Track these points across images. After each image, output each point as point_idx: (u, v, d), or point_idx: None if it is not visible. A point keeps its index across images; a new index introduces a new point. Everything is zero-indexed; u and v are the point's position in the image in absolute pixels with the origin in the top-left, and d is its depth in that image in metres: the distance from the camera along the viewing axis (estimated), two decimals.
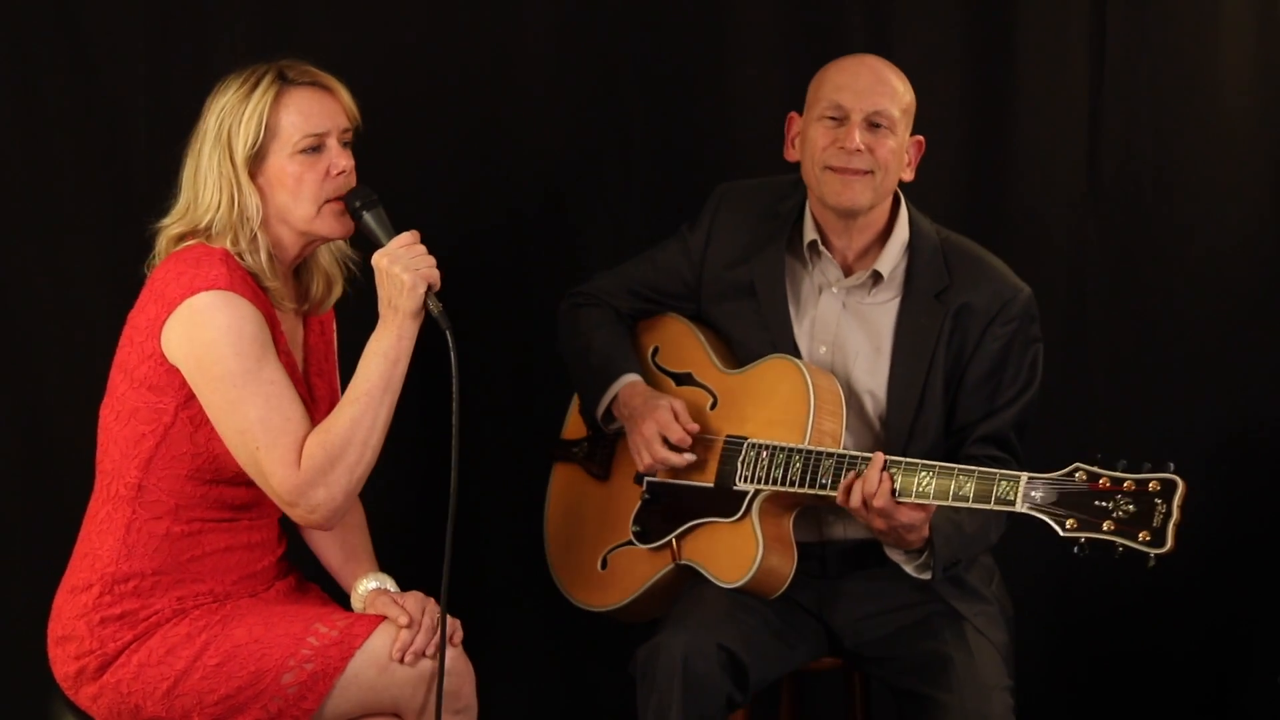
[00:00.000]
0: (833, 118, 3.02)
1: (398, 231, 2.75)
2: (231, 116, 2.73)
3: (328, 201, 2.76)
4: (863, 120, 3.00)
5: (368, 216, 2.76)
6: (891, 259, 3.08)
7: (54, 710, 2.82)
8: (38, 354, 3.52)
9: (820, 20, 3.69)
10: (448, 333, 2.68)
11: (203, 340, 2.66)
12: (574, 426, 3.30)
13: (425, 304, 2.70)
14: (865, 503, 2.86)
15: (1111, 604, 3.81)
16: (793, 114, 3.14)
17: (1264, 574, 3.73)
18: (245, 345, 2.66)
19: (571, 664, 3.75)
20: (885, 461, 2.86)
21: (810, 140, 3.04)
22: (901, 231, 3.10)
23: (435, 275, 2.70)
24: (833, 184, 3.02)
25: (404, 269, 2.69)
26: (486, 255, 3.68)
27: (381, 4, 3.60)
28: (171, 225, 2.77)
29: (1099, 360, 3.78)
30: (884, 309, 3.09)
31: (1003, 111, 3.73)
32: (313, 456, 2.67)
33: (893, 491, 2.84)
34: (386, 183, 3.55)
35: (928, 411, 3.05)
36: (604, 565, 3.16)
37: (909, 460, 2.87)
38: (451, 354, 2.67)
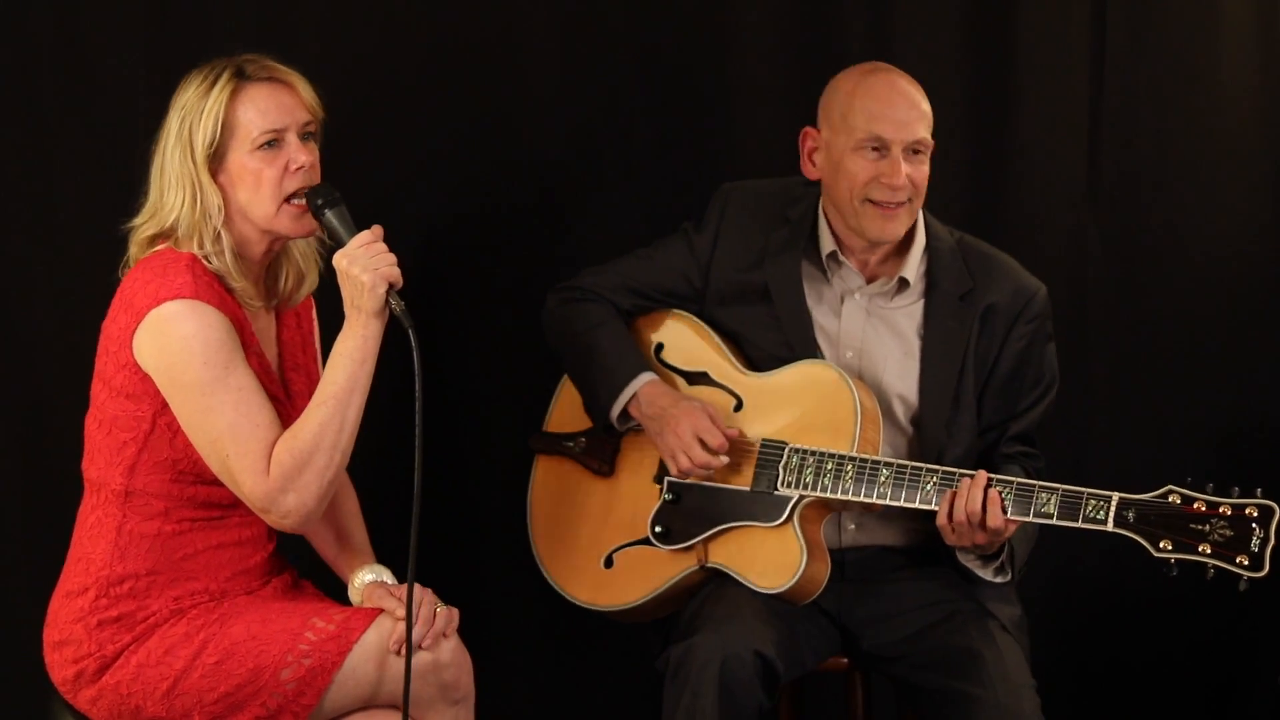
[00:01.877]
0: (874, 149, 2.98)
1: (360, 228, 2.74)
2: (192, 114, 2.74)
3: (288, 199, 2.75)
4: (903, 151, 2.98)
5: (329, 215, 2.75)
6: (914, 264, 3.08)
7: (53, 712, 2.82)
8: (37, 355, 3.52)
9: (821, 19, 3.69)
10: (410, 331, 2.67)
11: (170, 350, 2.66)
12: (560, 419, 3.26)
13: (387, 303, 2.69)
14: (969, 521, 2.86)
15: (1112, 606, 3.81)
16: (808, 129, 3.10)
17: (1265, 575, 3.72)
18: (212, 353, 2.66)
19: (568, 654, 3.74)
20: (989, 480, 2.87)
21: (848, 171, 3.00)
22: (921, 236, 3.10)
23: (396, 274, 2.69)
24: (874, 218, 3.00)
25: (363, 269, 2.67)
26: (485, 251, 3.69)
27: (381, 6, 3.60)
28: (142, 226, 2.78)
29: (1099, 360, 3.78)
30: (908, 312, 3.09)
31: (1003, 111, 3.73)
32: (281, 463, 2.67)
33: (1004, 509, 2.86)
34: (386, 179, 3.58)
35: (963, 414, 3.06)
36: (609, 564, 3.14)
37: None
38: (414, 351, 2.66)
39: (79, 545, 2.80)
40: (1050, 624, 3.70)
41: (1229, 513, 2.75)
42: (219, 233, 2.74)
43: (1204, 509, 2.76)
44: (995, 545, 2.95)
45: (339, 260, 2.70)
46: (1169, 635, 3.80)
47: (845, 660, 3.16)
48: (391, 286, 2.69)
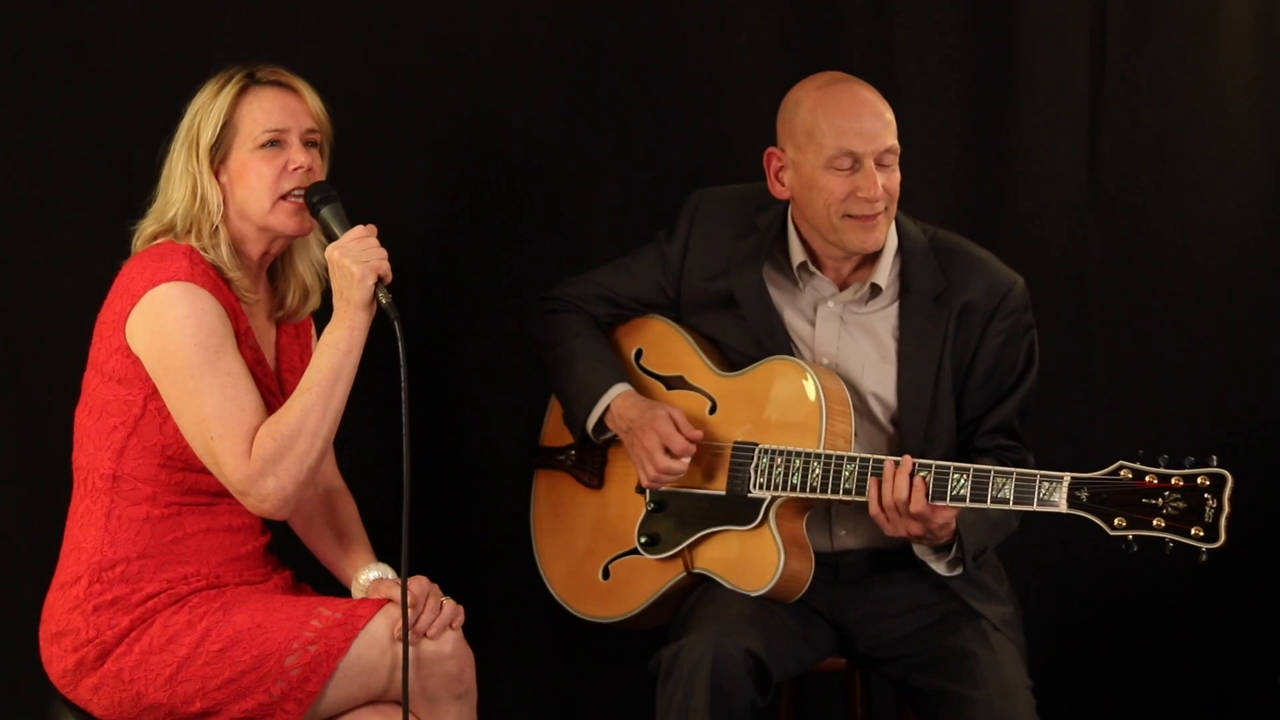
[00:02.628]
0: (846, 164, 2.95)
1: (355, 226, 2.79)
2: (201, 113, 2.82)
3: (284, 197, 2.80)
4: (875, 162, 2.95)
5: (325, 211, 2.80)
6: (886, 269, 3.07)
7: (53, 711, 2.83)
8: (37, 354, 3.51)
9: (820, 21, 3.68)
10: (396, 324, 2.71)
11: (163, 331, 2.71)
12: (554, 433, 3.27)
13: (375, 295, 2.72)
14: (898, 509, 2.86)
15: (1111, 605, 3.81)
16: (772, 150, 3.06)
17: (1264, 574, 3.73)
18: (204, 336, 2.70)
19: (567, 657, 3.74)
20: (914, 465, 2.86)
21: (822, 189, 2.96)
22: (892, 240, 3.08)
23: (385, 267, 2.74)
24: (854, 231, 2.98)
25: (354, 261, 2.72)
26: (483, 256, 3.68)
27: (382, 8, 3.61)
28: (146, 225, 2.84)
29: (1099, 359, 3.78)
30: (882, 316, 3.08)
31: (1003, 111, 3.72)
32: (263, 446, 2.70)
33: (928, 493, 2.84)
34: (383, 182, 3.58)
35: (941, 414, 3.05)
36: (606, 575, 3.15)
37: (940, 464, 2.87)
38: (399, 343, 2.69)
39: (70, 537, 2.83)
40: (1047, 622, 3.71)
41: (1181, 484, 2.69)
42: (217, 228, 2.80)
43: (1156, 483, 2.71)
44: (938, 536, 2.93)
45: (331, 252, 2.76)
46: (1167, 634, 3.80)
47: (844, 660, 3.17)
48: (381, 280, 2.73)
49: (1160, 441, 3.71)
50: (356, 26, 3.58)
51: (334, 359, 2.73)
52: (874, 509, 2.89)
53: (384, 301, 2.73)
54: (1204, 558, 2.69)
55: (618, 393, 3.11)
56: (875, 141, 2.94)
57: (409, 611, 2.73)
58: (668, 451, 3.02)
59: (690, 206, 3.19)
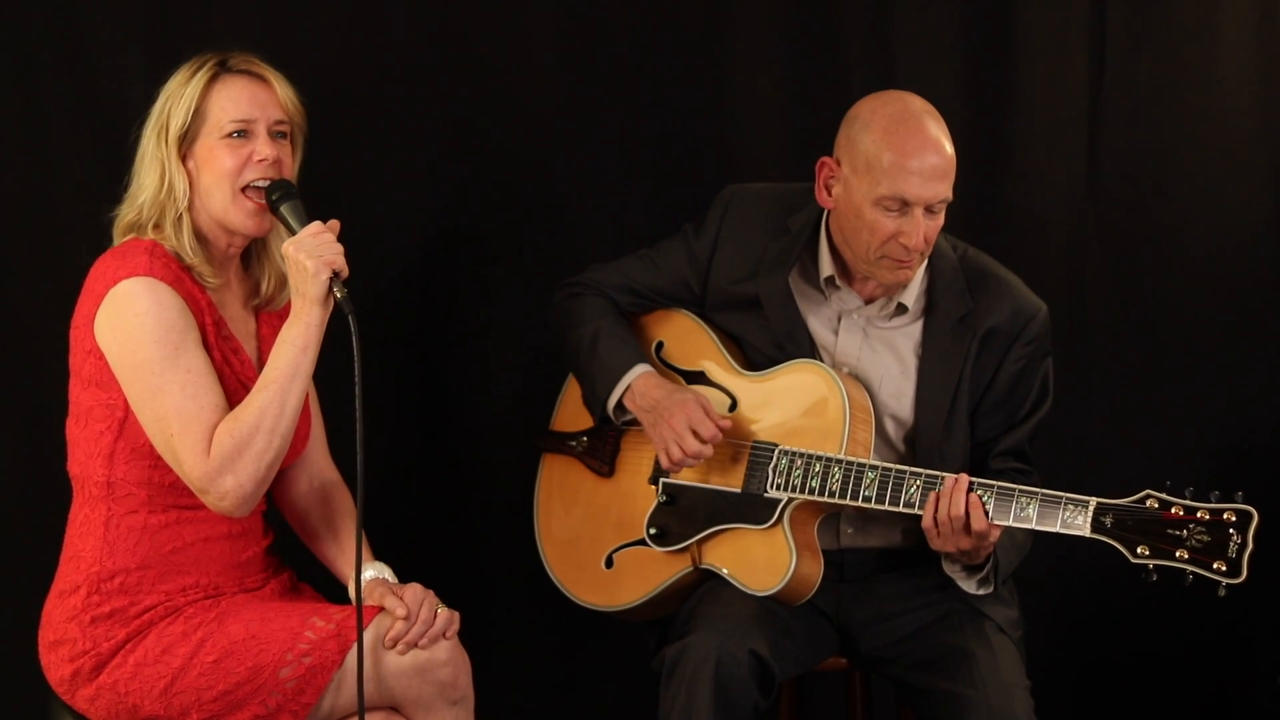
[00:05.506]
0: (895, 207, 2.91)
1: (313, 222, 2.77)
2: (172, 99, 2.81)
3: (245, 189, 2.79)
4: (925, 209, 2.92)
5: (284, 208, 2.79)
6: (914, 289, 3.06)
7: (53, 712, 2.82)
8: (37, 355, 3.50)
9: (821, 19, 3.68)
10: (350, 318, 2.69)
11: (124, 327, 2.70)
12: (566, 418, 3.27)
13: (331, 290, 2.71)
14: (952, 524, 2.84)
15: (1112, 605, 3.80)
16: (826, 160, 3.01)
17: (1264, 575, 3.72)
18: (163, 332, 2.69)
19: (568, 655, 3.75)
20: (970, 483, 2.85)
21: (867, 223, 2.93)
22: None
23: (340, 262, 2.72)
24: (889, 269, 2.96)
25: (308, 256, 2.70)
26: (486, 252, 3.69)
27: (384, 5, 3.61)
28: (124, 212, 2.83)
29: (1098, 360, 3.78)
30: (906, 332, 3.07)
31: (1003, 111, 3.72)
32: (221, 444, 2.69)
33: (986, 512, 2.84)
34: (385, 180, 3.58)
35: (956, 433, 3.04)
36: (609, 564, 3.14)
37: (981, 480, 2.86)
38: (354, 338, 2.68)
39: (70, 545, 2.82)
40: (1048, 623, 3.70)
41: (1206, 518, 2.70)
42: (182, 216, 2.78)
43: (1181, 514, 2.72)
44: (981, 553, 2.94)
45: (287, 248, 2.74)
46: (1168, 634, 3.80)
47: (844, 660, 3.17)
48: (336, 275, 2.71)
49: (1160, 441, 3.74)
50: (356, 25, 3.58)
51: (291, 355, 2.72)
52: (928, 523, 2.88)
53: (339, 296, 2.71)
54: (1223, 592, 2.70)
55: (640, 372, 3.10)
56: (930, 191, 2.90)
57: (401, 623, 2.74)
58: (696, 435, 3.01)
59: (721, 203, 3.17)
